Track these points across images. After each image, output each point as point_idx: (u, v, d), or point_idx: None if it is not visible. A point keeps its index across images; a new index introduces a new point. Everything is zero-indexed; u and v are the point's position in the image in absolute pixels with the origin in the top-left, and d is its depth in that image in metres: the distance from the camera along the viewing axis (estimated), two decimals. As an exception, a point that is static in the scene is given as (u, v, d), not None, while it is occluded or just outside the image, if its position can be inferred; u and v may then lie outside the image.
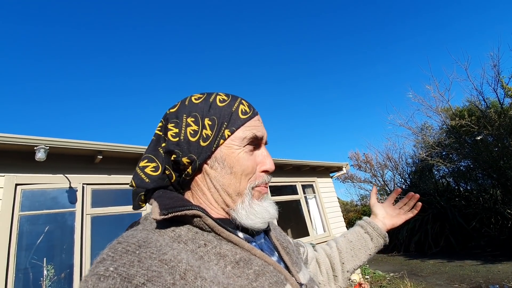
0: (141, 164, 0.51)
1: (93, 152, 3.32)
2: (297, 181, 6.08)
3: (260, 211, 0.49)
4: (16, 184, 2.91)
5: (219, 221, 0.46)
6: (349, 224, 12.14)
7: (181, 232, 0.43)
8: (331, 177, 7.12)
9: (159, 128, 0.53)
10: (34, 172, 3.07)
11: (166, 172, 0.51)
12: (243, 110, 0.51)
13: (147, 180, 0.49)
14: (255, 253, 0.46)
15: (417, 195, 0.85)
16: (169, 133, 0.50)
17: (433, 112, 9.06)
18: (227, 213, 0.50)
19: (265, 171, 0.52)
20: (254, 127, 0.51)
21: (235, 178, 0.49)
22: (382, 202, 0.89)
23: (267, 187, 0.53)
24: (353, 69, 28.50)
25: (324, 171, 6.85)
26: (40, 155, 2.82)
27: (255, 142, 0.51)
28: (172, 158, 0.50)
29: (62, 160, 3.25)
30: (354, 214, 13.19)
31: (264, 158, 0.52)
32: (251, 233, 0.51)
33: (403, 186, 11.50)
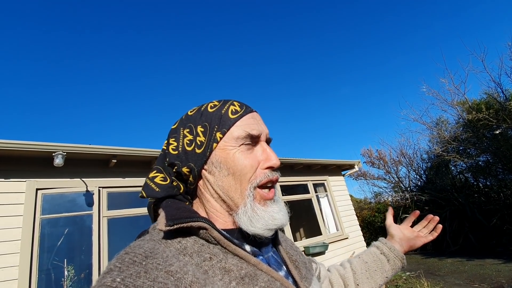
0: (151, 175, 0.52)
1: (107, 156, 3.43)
2: (308, 180, 6.05)
3: (263, 216, 0.47)
4: (37, 189, 3.05)
5: (225, 233, 0.46)
6: (363, 222, 11.90)
7: (187, 244, 0.43)
8: (343, 175, 7.04)
9: (165, 145, 0.54)
10: (53, 177, 3.20)
11: (174, 183, 0.52)
12: (233, 110, 0.50)
13: (157, 189, 0.50)
14: (261, 268, 0.45)
15: (437, 218, 0.81)
16: (170, 147, 0.52)
17: (449, 106, 8.79)
18: (234, 220, 0.49)
19: (269, 168, 0.49)
20: (247, 125, 0.50)
21: (234, 180, 0.48)
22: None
23: (272, 192, 0.50)
24: (363, 64, 27.96)
25: (336, 170, 6.78)
26: (58, 161, 2.95)
27: (252, 140, 0.50)
28: (174, 170, 0.51)
29: (79, 165, 3.38)
30: (368, 212, 12.89)
31: (265, 154, 0.50)
32: (259, 245, 0.50)
33: (419, 183, 11.19)
